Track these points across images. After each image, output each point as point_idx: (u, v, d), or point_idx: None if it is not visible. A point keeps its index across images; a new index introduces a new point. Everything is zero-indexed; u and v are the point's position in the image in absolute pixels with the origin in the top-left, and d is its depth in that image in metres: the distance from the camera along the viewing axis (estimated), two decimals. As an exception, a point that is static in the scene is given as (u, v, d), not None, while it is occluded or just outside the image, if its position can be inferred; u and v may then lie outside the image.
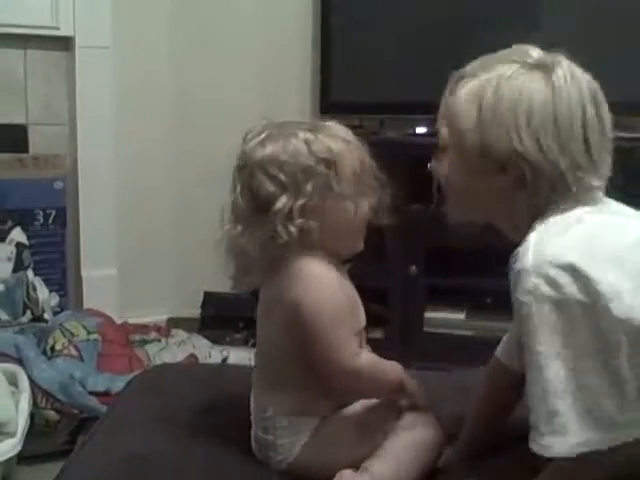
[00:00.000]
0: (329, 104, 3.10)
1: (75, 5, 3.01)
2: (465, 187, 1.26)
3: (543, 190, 1.19)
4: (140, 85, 3.24)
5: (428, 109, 2.89)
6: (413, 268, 2.87)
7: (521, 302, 1.12)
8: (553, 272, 1.09)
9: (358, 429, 1.33)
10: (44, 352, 2.34)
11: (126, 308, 3.14)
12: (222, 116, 3.29)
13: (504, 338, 1.46)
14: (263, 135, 1.31)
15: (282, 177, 1.26)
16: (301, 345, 1.28)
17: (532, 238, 1.15)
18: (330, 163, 1.28)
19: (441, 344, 2.85)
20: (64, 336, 2.38)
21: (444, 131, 1.29)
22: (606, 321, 1.08)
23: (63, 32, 3.03)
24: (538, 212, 1.20)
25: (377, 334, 2.87)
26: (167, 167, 3.33)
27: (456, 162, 1.26)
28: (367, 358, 1.32)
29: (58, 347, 2.34)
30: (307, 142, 1.28)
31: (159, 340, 2.62)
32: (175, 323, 3.18)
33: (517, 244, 1.18)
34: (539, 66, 1.25)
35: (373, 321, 2.97)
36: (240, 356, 2.57)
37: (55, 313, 2.81)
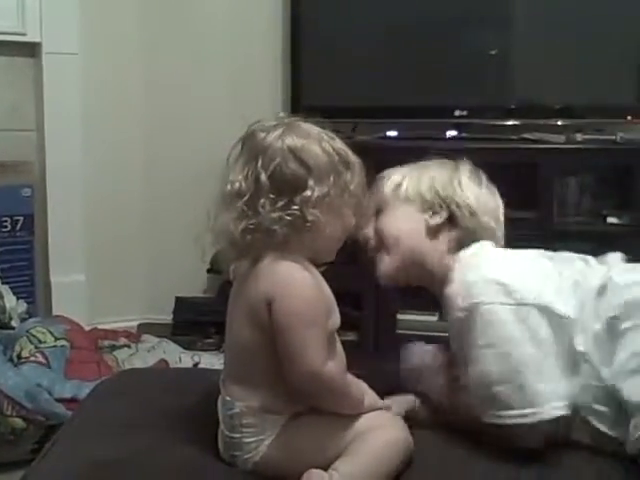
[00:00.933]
0: (300, 108, 3.06)
1: (42, 11, 3.00)
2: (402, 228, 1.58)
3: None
4: (109, 91, 3.23)
5: (400, 113, 3.00)
6: (385, 270, 2.85)
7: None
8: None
9: (326, 429, 1.32)
10: (10, 359, 2.30)
11: (96, 314, 3.13)
12: (193, 122, 3.28)
13: None
14: (282, 129, 1.31)
15: (311, 163, 1.28)
16: (271, 342, 1.27)
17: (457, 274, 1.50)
18: (348, 166, 1.32)
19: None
20: (31, 343, 2.34)
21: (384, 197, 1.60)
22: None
23: (30, 38, 3.01)
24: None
25: (350, 337, 2.88)
26: (137, 172, 3.32)
27: (397, 214, 1.58)
28: (335, 369, 1.30)
29: (25, 354, 2.30)
30: (330, 141, 1.31)
31: (129, 346, 2.60)
32: (146, 329, 3.16)
33: None
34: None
35: (346, 324, 3.01)
36: (212, 361, 2.55)
37: (23, 320, 2.74)
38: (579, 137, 2.81)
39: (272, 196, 1.27)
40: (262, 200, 1.27)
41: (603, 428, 1.36)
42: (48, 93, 3.05)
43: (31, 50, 3.05)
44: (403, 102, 2.99)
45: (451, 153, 2.84)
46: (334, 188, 1.29)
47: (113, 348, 2.58)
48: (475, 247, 1.52)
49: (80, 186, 3.15)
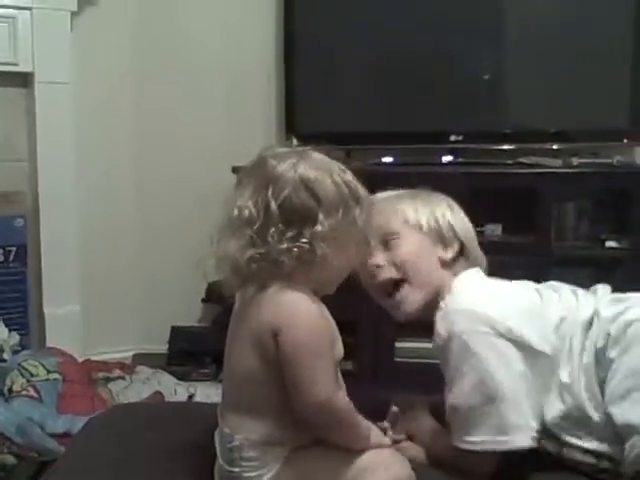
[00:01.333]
0: (294, 136, 3.05)
1: (34, 41, 2.99)
2: (421, 261, 1.53)
3: None
4: (101, 119, 3.22)
5: (395, 139, 2.98)
6: (382, 297, 2.82)
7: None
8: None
9: (328, 465, 1.28)
10: (2, 393, 2.27)
11: (90, 345, 3.10)
12: (186, 150, 3.26)
13: None
14: (295, 158, 1.29)
15: (322, 195, 1.26)
16: (276, 372, 1.24)
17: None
18: (358, 200, 1.31)
19: (414, 374, 2.79)
20: (23, 376, 2.31)
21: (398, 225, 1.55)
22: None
23: (22, 68, 3.01)
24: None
25: (347, 366, 2.78)
26: (130, 200, 3.30)
27: (415, 242, 1.54)
28: (345, 401, 1.28)
29: (16, 388, 2.27)
30: (341, 174, 1.30)
31: (123, 378, 2.56)
32: (141, 359, 3.13)
33: None
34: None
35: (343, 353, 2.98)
36: (207, 392, 2.51)
37: (16, 352, 2.73)
38: (575, 161, 2.79)
39: (281, 226, 1.25)
40: (272, 230, 1.25)
41: (590, 446, 1.38)
42: (40, 122, 3.04)
43: (23, 80, 3.04)
44: (398, 128, 2.98)
45: (448, 178, 2.90)
46: (342, 222, 1.28)
47: (107, 380, 2.54)
48: (467, 274, 1.53)
49: (73, 215, 3.13)
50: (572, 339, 1.41)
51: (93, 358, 2.96)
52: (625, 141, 2.84)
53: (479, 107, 2.98)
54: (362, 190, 1.33)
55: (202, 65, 3.27)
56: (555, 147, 2.88)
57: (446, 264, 1.52)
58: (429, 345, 2.83)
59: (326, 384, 1.23)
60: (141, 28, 3.25)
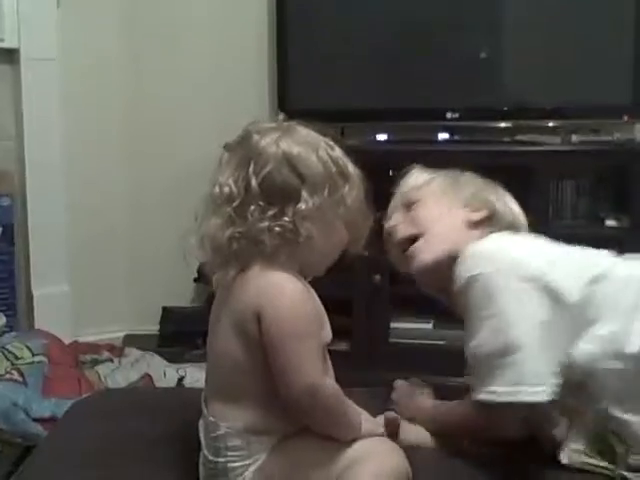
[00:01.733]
0: (287, 112, 2.98)
1: (19, 16, 2.91)
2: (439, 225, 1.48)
3: None
4: (90, 97, 3.14)
5: (390, 115, 2.93)
6: (377, 277, 2.78)
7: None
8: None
9: (316, 456, 1.23)
10: (-15, 377, 2.21)
11: (80, 326, 3.04)
12: (177, 128, 3.20)
13: None
14: (279, 132, 1.24)
15: (305, 173, 1.21)
16: (260, 356, 1.19)
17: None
18: (346, 178, 1.25)
19: (409, 355, 2.76)
20: (7, 359, 2.26)
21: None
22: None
23: (7, 44, 2.93)
24: None
25: (342, 346, 2.80)
26: (120, 179, 3.23)
27: (438, 205, 1.50)
28: (333, 387, 1.22)
29: (0, 371, 2.21)
30: (328, 150, 1.25)
31: (111, 360, 2.51)
32: (132, 340, 3.08)
33: None
34: None
35: (337, 333, 2.94)
36: (197, 376, 2.46)
37: (3, 334, 2.68)
38: (575, 138, 2.74)
39: (262, 204, 1.20)
40: (252, 207, 1.20)
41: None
42: (27, 100, 2.96)
43: (9, 56, 2.96)
44: (393, 104, 2.92)
45: (444, 156, 2.85)
46: (329, 201, 1.22)
47: (95, 362, 2.49)
48: (496, 234, 1.46)
49: (61, 194, 3.06)
50: (617, 295, 1.32)
51: (82, 339, 2.93)
52: (625, 118, 2.77)
53: (476, 84, 2.91)
54: (351, 167, 1.27)
55: (192, 40, 3.19)
56: (554, 124, 2.83)
57: (472, 225, 1.46)
58: (425, 326, 2.83)
59: (312, 368, 1.18)
60: (130, 2, 3.16)
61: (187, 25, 3.20)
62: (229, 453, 1.22)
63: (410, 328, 2.85)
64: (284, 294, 1.19)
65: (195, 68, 3.20)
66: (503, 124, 2.88)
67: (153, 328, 3.13)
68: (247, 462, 1.22)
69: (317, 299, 1.26)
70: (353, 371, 2.86)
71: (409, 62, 2.93)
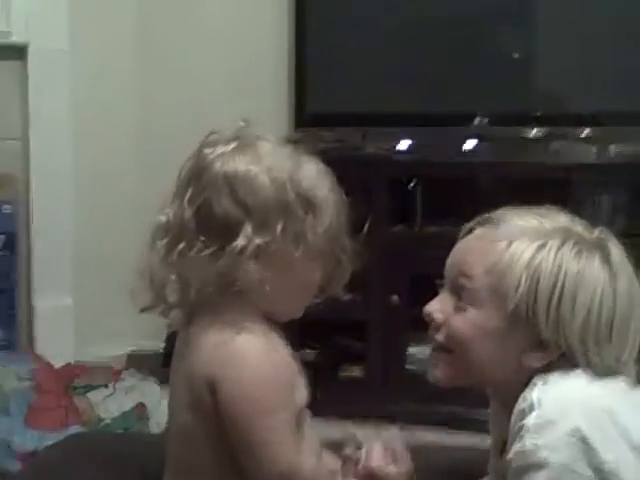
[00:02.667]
0: (305, 116, 2.86)
1: (28, 10, 2.81)
2: (483, 352, 1.10)
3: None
4: (101, 95, 3.00)
5: (414, 120, 2.75)
6: (395, 298, 2.60)
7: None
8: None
9: None
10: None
11: (83, 342, 2.92)
12: (191, 130, 3.01)
13: None
14: (234, 144, 1.05)
15: (250, 203, 1.00)
16: (217, 432, 1.01)
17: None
18: (310, 208, 1.04)
19: (426, 383, 2.55)
20: (-11, 384, 2.13)
21: (481, 283, 1.10)
22: None
23: (16, 39, 2.83)
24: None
25: (355, 372, 2.66)
26: (130, 186, 3.07)
27: (486, 325, 1.09)
28: (312, 465, 1.03)
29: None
30: (289, 172, 1.04)
31: (106, 386, 2.36)
32: (136, 359, 2.95)
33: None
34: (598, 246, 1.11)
35: (350, 358, 2.77)
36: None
37: (1, 348, 2.63)
38: (612, 149, 2.51)
39: (202, 238, 1.00)
40: (182, 245, 1.01)
41: None
42: (34, 96, 2.85)
43: (18, 52, 2.85)
44: (418, 108, 2.74)
45: (470, 166, 2.66)
46: (283, 236, 1.00)
47: (88, 388, 2.34)
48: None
49: (69, 201, 2.93)
50: None
51: (84, 357, 2.79)
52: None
53: (507, 87, 2.72)
54: (322, 194, 1.04)
55: (208, 36, 3.03)
56: (590, 132, 2.61)
57: (532, 369, 1.07)
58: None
59: (285, 447, 0.99)
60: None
61: (204, 23, 3.04)
62: None
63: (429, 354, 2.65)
64: (244, 365, 1.00)
65: (210, 67, 3.04)
66: (535, 131, 2.67)
67: (159, 345, 2.98)
68: None
69: (284, 351, 1.05)
70: (367, 400, 2.76)
71: (435, 64, 2.77)
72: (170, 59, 3.06)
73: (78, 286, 2.96)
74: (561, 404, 0.99)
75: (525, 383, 1.05)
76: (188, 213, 1.01)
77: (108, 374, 2.48)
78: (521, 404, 1.01)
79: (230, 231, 0.99)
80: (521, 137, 2.69)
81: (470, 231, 1.15)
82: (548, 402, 0.99)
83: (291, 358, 1.06)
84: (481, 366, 1.10)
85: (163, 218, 1.04)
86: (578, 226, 1.12)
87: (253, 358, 0.99)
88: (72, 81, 2.89)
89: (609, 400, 1.00)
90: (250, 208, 1.00)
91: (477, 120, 2.70)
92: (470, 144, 2.71)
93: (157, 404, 2.31)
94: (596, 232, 1.12)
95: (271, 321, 1.06)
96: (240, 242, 0.98)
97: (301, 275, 1.04)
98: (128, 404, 2.31)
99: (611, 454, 0.95)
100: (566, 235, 1.08)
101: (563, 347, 1.03)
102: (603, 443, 0.95)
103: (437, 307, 1.14)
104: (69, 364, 2.53)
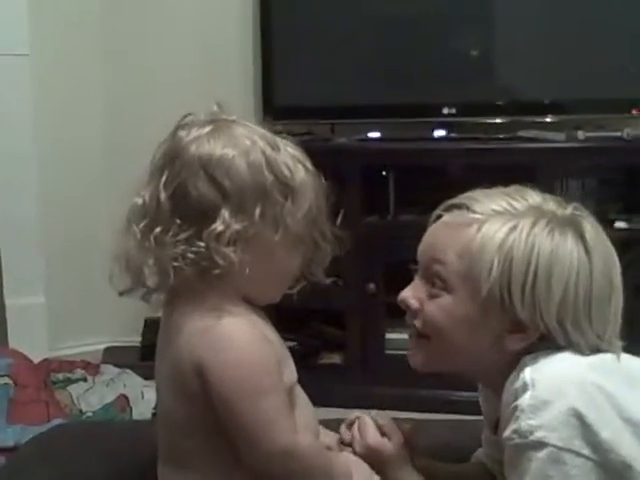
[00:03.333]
0: (273, 109, 2.85)
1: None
2: (460, 338, 1.08)
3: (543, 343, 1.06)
4: (64, 99, 2.97)
5: (383, 112, 2.77)
6: (371, 286, 2.64)
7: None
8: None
9: None
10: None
11: (58, 339, 2.89)
12: (158, 126, 2.99)
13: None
14: (209, 128, 1.03)
15: (227, 187, 0.98)
16: (209, 417, 1.00)
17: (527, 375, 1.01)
18: (288, 191, 1.02)
19: (405, 367, 2.58)
20: (-32, 381, 2.09)
21: (453, 268, 1.07)
22: None
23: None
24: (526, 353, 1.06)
25: (335, 359, 2.69)
26: (99, 180, 3.05)
27: (460, 310, 1.07)
28: (309, 442, 1.03)
29: (-40, 395, 2.06)
30: (266, 155, 1.01)
31: (85, 379, 2.34)
32: (113, 353, 2.93)
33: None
34: (571, 223, 1.07)
35: (330, 346, 2.79)
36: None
37: None
38: (581, 134, 2.56)
39: (178, 222, 0.99)
40: (158, 229, 0.99)
41: None
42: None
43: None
44: (386, 100, 2.76)
45: (441, 154, 2.69)
46: (261, 221, 0.99)
47: (67, 382, 2.32)
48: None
49: (34, 196, 2.88)
50: None
51: (60, 353, 2.79)
52: (634, 112, 2.60)
53: (474, 77, 2.76)
54: (300, 178, 1.03)
55: (175, 36, 3.01)
56: (558, 119, 2.66)
57: (514, 352, 1.06)
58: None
59: (281, 426, 0.99)
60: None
61: (171, 20, 3.03)
62: None
63: (406, 339, 2.68)
64: (231, 347, 0.98)
65: (176, 62, 3.03)
66: (503, 119, 2.72)
67: (135, 340, 2.96)
68: None
69: (271, 332, 1.06)
70: (347, 386, 2.78)
71: (403, 56, 2.78)
72: (134, 58, 3.03)
73: (50, 283, 2.92)
74: (554, 383, 0.98)
75: (510, 364, 1.04)
76: (163, 196, 1.00)
77: (86, 368, 2.47)
78: (514, 384, 1.00)
79: (207, 215, 0.98)
80: (487, 124, 2.74)
81: (439, 217, 1.13)
82: (541, 382, 0.98)
83: (276, 337, 1.07)
84: (459, 351, 1.09)
85: (139, 200, 1.02)
86: (550, 203, 1.08)
87: (240, 340, 0.99)
88: (33, 85, 2.85)
89: (601, 377, 0.99)
90: (227, 192, 0.98)
91: (445, 110, 2.72)
92: (439, 134, 2.75)
93: (139, 395, 2.30)
94: (570, 208, 1.08)
95: (251, 304, 1.05)
96: (218, 227, 0.97)
97: (280, 260, 1.04)
98: (109, 396, 2.30)
99: (607, 431, 0.95)
100: (538, 214, 1.05)
101: (541, 328, 1.02)
102: (599, 420, 0.95)
103: (411, 294, 1.13)
104: (46, 359, 2.51)
